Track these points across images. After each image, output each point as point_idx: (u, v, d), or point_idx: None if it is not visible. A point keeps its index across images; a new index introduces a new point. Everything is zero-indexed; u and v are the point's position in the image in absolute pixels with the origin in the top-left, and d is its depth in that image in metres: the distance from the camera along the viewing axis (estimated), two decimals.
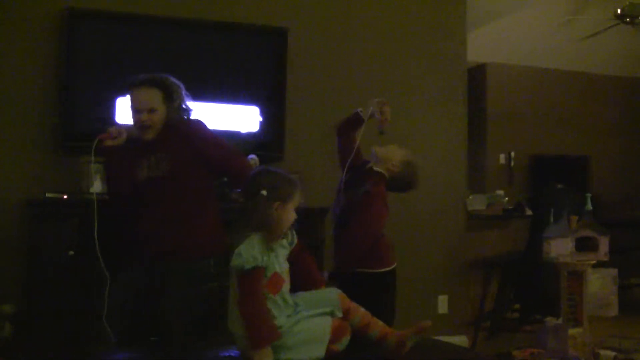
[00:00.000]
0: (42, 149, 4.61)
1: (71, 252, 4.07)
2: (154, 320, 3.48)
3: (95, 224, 3.41)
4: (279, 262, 2.91)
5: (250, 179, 2.91)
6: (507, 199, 7.21)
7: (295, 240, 2.99)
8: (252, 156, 4.60)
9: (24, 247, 4.24)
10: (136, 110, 3.48)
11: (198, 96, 3.89)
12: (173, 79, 3.59)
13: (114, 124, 4.10)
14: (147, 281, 3.44)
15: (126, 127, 3.56)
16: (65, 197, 4.29)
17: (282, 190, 2.85)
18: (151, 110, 3.46)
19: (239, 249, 2.79)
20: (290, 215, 2.90)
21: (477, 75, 9.88)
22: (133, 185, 3.52)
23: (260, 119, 4.91)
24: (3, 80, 4.60)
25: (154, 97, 3.49)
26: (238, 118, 4.89)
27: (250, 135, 4.86)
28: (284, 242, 2.96)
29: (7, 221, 4.47)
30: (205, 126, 3.62)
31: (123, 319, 3.36)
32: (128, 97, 3.53)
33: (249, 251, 2.78)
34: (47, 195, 4.32)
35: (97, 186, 4.40)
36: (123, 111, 4.54)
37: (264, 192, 2.80)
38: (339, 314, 2.95)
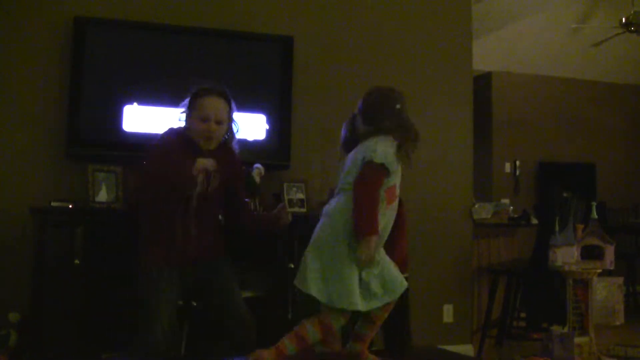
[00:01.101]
0: (48, 157, 4.61)
1: (77, 261, 4.07)
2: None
3: None
4: (399, 178, 3.07)
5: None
6: (512, 207, 7.20)
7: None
8: (258, 165, 4.60)
9: (30, 256, 4.23)
10: (204, 117, 3.47)
11: None
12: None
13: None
14: (193, 278, 3.54)
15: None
16: (70, 206, 4.30)
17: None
18: (219, 122, 3.49)
19: (374, 143, 3.01)
20: None
21: (483, 83, 9.90)
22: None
23: (267, 126, 4.91)
24: (9, 88, 4.62)
25: (223, 109, 3.54)
26: (245, 126, 4.89)
27: (256, 144, 4.86)
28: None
29: (13, 229, 4.47)
30: (242, 165, 3.81)
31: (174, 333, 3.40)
32: (192, 102, 3.54)
33: (385, 149, 3.00)
34: (52, 203, 4.32)
35: (102, 195, 4.41)
36: (130, 119, 4.57)
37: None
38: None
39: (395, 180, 3.08)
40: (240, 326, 3.49)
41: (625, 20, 8.48)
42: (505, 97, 10.25)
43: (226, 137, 3.65)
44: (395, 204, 3.11)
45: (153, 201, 3.54)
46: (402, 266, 3.45)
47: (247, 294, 4.37)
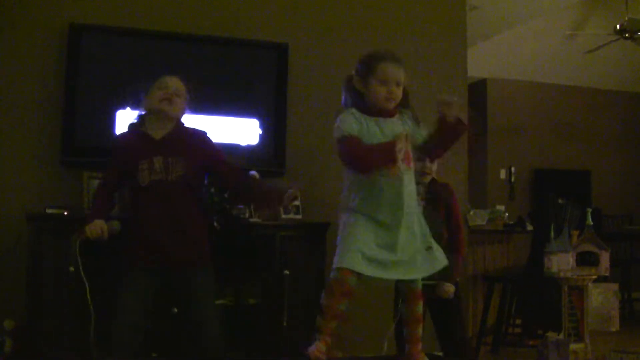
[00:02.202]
0: (42, 164, 4.61)
1: (72, 268, 4.06)
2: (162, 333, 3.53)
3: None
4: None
5: None
6: (507, 214, 7.20)
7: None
8: (253, 172, 4.60)
9: (25, 263, 4.23)
10: (164, 86, 3.52)
11: (200, 109, 3.91)
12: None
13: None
14: (163, 290, 3.49)
15: (109, 225, 3.51)
16: (66, 212, 4.30)
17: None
18: (176, 93, 3.52)
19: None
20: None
21: (478, 90, 9.91)
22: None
23: (260, 131, 4.91)
24: (4, 95, 4.62)
25: (181, 85, 3.59)
26: (239, 131, 4.89)
27: (249, 148, 4.86)
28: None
29: (8, 237, 4.46)
30: (212, 139, 3.68)
31: (136, 331, 3.35)
32: (154, 83, 3.58)
33: (342, 118, 3.19)
34: (47, 210, 4.32)
35: None
36: (123, 125, 4.57)
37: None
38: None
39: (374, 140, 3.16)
40: (208, 344, 3.45)
41: (620, 27, 8.51)
42: (500, 103, 10.26)
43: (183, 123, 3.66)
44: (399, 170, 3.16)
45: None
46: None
47: (242, 300, 4.38)
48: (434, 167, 4.15)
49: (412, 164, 3.24)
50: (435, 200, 4.06)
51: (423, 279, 3.60)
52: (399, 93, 3.27)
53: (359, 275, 3.07)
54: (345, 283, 3.07)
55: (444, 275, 3.94)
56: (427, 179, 4.11)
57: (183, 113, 3.62)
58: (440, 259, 3.22)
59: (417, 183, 3.77)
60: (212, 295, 3.56)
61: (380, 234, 3.11)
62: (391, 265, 3.13)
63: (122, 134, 3.70)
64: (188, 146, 3.52)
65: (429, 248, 3.21)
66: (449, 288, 4.04)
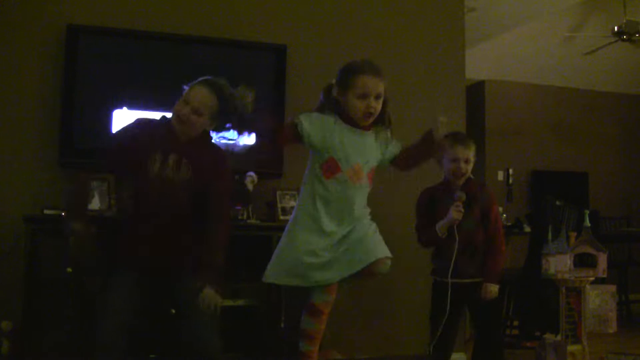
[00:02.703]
0: (40, 165, 4.61)
1: (69, 269, 4.06)
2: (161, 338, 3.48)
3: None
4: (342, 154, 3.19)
5: None
6: (505, 215, 7.20)
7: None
8: (251, 173, 4.60)
9: (22, 264, 4.22)
10: (185, 101, 3.40)
11: None
12: (232, 90, 3.56)
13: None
14: (144, 298, 3.43)
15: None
16: (63, 214, 4.29)
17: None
18: (196, 111, 3.39)
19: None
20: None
21: (475, 92, 9.92)
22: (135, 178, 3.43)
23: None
24: (2, 96, 4.62)
25: (205, 99, 3.45)
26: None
27: (246, 148, 4.85)
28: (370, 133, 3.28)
29: (5, 238, 4.47)
30: (228, 162, 3.58)
31: (121, 332, 3.28)
32: (186, 92, 3.46)
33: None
34: (45, 211, 4.32)
35: (95, 203, 4.40)
36: (119, 124, 4.57)
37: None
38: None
39: (333, 154, 3.20)
40: (204, 350, 3.42)
41: (618, 29, 8.51)
42: (498, 105, 10.26)
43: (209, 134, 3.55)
44: (344, 177, 3.21)
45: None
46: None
47: (239, 302, 4.38)
48: (469, 167, 4.11)
49: (370, 183, 3.30)
50: (470, 201, 4.04)
51: (466, 277, 3.90)
52: (378, 107, 3.23)
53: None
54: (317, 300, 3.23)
55: (487, 276, 3.99)
56: (462, 180, 4.08)
57: (206, 127, 3.50)
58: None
59: (454, 189, 3.85)
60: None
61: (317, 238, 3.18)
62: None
63: (147, 120, 3.58)
64: (205, 156, 3.45)
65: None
66: (494, 288, 4.05)
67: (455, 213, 3.93)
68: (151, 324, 3.79)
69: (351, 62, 3.30)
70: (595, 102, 10.77)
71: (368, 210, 3.33)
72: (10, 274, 4.37)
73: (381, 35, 5.53)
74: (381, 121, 3.31)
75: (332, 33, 5.39)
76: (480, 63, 9.27)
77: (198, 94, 3.43)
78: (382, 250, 3.20)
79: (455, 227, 3.95)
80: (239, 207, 4.56)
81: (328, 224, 3.18)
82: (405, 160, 3.43)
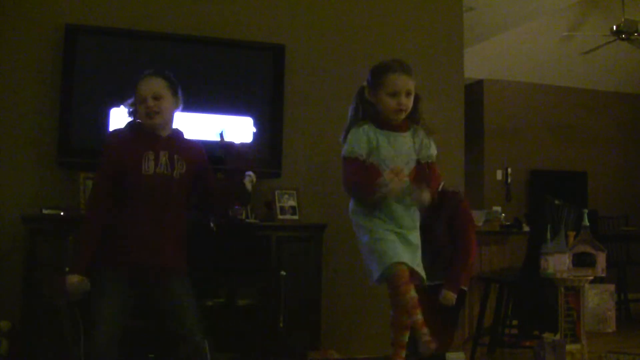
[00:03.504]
0: (39, 165, 4.60)
1: (67, 269, 4.05)
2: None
3: None
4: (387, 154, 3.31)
5: None
6: (504, 215, 7.20)
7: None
8: (249, 173, 4.58)
9: (21, 263, 4.22)
10: (142, 99, 3.40)
11: (197, 109, 3.90)
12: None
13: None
14: (146, 298, 3.42)
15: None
16: (62, 213, 4.29)
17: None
18: (157, 97, 3.40)
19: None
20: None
21: (474, 91, 9.92)
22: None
23: (254, 129, 4.89)
24: (0, 96, 4.61)
25: (158, 84, 3.46)
26: (235, 130, 4.89)
27: (244, 146, 4.85)
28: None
29: (4, 237, 4.47)
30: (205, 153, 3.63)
31: (115, 339, 3.28)
32: (135, 95, 3.47)
33: (351, 138, 3.35)
34: (43, 211, 4.32)
35: None
36: (117, 122, 4.56)
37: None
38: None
39: (377, 158, 3.31)
40: (193, 352, 3.42)
41: (616, 28, 8.51)
42: (496, 104, 10.27)
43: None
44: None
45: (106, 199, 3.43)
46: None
47: (238, 302, 4.38)
48: (410, 102, 3.95)
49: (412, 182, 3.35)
50: (438, 209, 4.02)
51: (436, 280, 3.90)
52: (409, 104, 3.32)
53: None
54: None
55: (447, 282, 3.99)
56: (402, 116, 3.99)
57: (177, 105, 3.54)
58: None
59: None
60: (193, 302, 3.45)
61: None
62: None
63: (119, 130, 3.55)
64: (189, 150, 3.49)
65: None
66: (450, 296, 4.01)
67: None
68: (149, 323, 3.78)
69: (381, 62, 3.40)
70: (594, 101, 10.78)
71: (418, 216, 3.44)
72: (9, 274, 4.37)
73: (380, 34, 5.53)
74: (414, 119, 3.41)
75: (331, 33, 5.38)
76: (479, 62, 9.27)
77: (144, 85, 3.47)
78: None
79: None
80: (237, 207, 4.55)
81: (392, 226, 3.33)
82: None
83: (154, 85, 3.45)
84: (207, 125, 4.65)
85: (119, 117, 4.53)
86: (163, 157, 3.37)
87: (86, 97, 4.59)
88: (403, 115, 3.32)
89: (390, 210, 3.30)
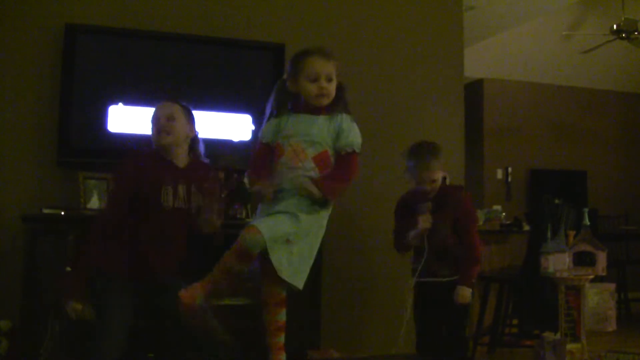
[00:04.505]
0: (39, 165, 4.60)
1: (68, 269, 4.06)
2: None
3: None
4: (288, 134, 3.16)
5: None
6: (504, 214, 7.20)
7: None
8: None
9: (21, 263, 4.22)
10: (155, 119, 3.53)
11: (197, 108, 3.92)
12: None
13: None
14: (150, 304, 3.47)
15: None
16: (62, 213, 4.29)
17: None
18: (170, 118, 3.50)
19: None
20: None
21: (474, 90, 9.92)
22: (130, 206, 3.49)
23: (254, 127, 4.89)
24: (0, 95, 4.61)
25: (172, 107, 3.57)
26: (234, 128, 4.89)
27: (242, 144, 4.85)
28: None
29: (4, 237, 4.46)
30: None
31: (120, 349, 3.30)
32: (151, 118, 3.59)
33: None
34: (44, 211, 4.31)
35: (94, 202, 4.41)
36: (116, 120, 4.59)
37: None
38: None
39: (280, 136, 3.19)
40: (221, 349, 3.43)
41: (616, 27, 8.52)
42: (496, 104, 10.27)
43: (198, 153, 3.70)
44: (285, 159, 3.15)
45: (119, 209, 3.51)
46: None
47: (236, 301, 4.37)
48: (437, 175, 4.03)
49: (320, 169, 3.14)
50: (442, 206, 4.05)
51: (440, 277, 3.94)
52: (330, 88, 3.17)
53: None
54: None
55: (460, 279, 4.01)
56: (432, 193, 4.05)
57: (190, 128, 3.64)
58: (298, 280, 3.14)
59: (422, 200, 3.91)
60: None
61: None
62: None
63: (139, 153, 3.61)
64: (201, 179, 3.54)
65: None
66: (466, 292, 4.03)
67: (424, 223, 3.96)
68: (149, 323, 3.77)
69: (299, 50, 3.30)
70: (594, 100, 10.78)
71: (321, 208, 3.17)
72: (9, 273, 4.37)
73: (380, 33, 5.53)
74: (338, 109, 3.22)
75: (331, 32, 5.38)
76: (479, 61, 9.27)
77: (160, 109, 3.58)
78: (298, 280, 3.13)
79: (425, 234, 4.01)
80: (237, 206, 4.55)
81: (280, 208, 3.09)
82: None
83: (168, 108, 3.57)
84: (207, 123, 4.66)
85: (118, 116, 4.57)
86: (181, 191, 3.44)
87: (86, 96, 4.59)
88: (326, 101, 3.17)
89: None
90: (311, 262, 3.16)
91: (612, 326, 4.14)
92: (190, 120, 3.64)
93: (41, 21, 4.70)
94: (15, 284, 4.25)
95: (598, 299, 4.12)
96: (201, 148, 3.72)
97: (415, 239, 4.01)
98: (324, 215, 3.18)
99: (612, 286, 4.20)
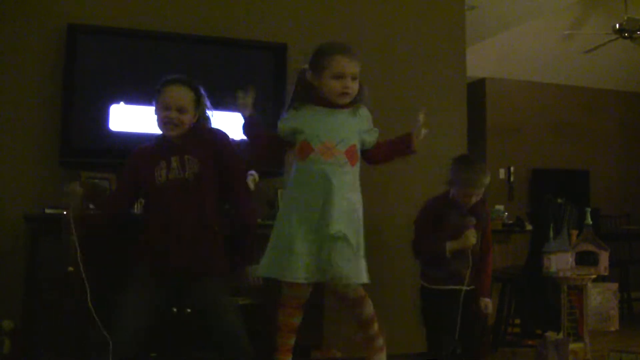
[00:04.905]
0: (41, 165, 4.61)
1: (70, 269, 4.06)
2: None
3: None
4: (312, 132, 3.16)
5: None
6: (506, 213, 7.20)
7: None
8: (252, 172, 4.59)
9: (23, 263, 4.23)
10: (165, 106, 3.40)
11: None
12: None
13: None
14: (163, 299, 3.43)
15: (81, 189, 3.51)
16: (64, 212, 4.29)
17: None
18: (181, 110, 3.40)
19: None
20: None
21: (476, 90, 9.91)
22: (135, 197, 3.49)
23: None
24: (2, 95, 4.61)
25: (185, 96, 3.46)
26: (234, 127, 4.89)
27: (243, 143, 4.85)
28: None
29: (6, 237, 4.47)
30: (231, 140, 3.59)
31: (135, 335, 3.28)
32: (157, 95, 3.47)
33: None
34: (46, 211, 4.31)
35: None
36: (117, 120, 4.59)
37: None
38: None
39: (305, 137, 3.19)
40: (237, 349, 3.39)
41: (619, 26, 8.51)
42: (499, 103, 10.26)
43: (202, 126, 3.57)
44: (317, 156, 3.17)
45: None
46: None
47: (239, 301, 4.37)
48: (355, 85, 3.55)
49: (355, 163, 3.20)
50: (477, 221, 4.05)
51: (460, 284, 3.90)
52: (354, 87, 3.20)
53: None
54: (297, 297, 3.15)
55: (483, 292, 4.01)
56: (468, 206, 4.04)
57: (197, 118, 3.53)
58: (363, 274, 3.16)
59: (465, 212, 3.94)
60: (228, 306, 3.43)
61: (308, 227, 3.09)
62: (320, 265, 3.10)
63: (140, 146, 3.60)
64: (203, 144, 3.46)
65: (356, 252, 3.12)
66: (489, 303, 4.08)
67: (472, 239, 3.94)
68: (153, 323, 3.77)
69: (324, 44, 3.29)
70: (596, 100, 10.77)
71: (358, 198, 3.22)
72: (11, 273, 4.37)
73: (382, 33, 5.52)
74: (355, 101, 3.27)
75: (333, 31, 5.37)
76: (481, 61, 9.26)
77: (175, 94, 3.45)
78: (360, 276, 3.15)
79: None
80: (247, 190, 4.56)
81: (307, 209, 3.11)
82: (376, 154, 3.37)
83: (183, 96, 3.45)
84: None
85: (120, 115, 4.57)
86: (174, 162, 3.37)
87: (88, 96, 4.59)
88: (348, 100, 3.19)
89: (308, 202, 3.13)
90: (362, 249, 3.16)
91: (614, 325, 4.14)
92: (198, 102, 3.53)
93: (43, 21, 4.70)
94: (17, 283, 4.26)
95: (601, 299, 4.12)
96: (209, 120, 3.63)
97: (452, 251, 3.96)
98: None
99: (614, 286, 4.20)
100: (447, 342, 4.06)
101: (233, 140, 3.62)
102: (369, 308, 3.30)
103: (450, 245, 3.95)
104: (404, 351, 4.46)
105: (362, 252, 3.13)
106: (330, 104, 3.19)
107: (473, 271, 4.02)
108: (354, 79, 3.18)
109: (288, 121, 3.24)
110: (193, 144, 3.43)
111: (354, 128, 3.22)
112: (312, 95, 3.24)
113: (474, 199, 3.98)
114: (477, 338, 4.19)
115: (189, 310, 3.71)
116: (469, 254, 3.99)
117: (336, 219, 3.05)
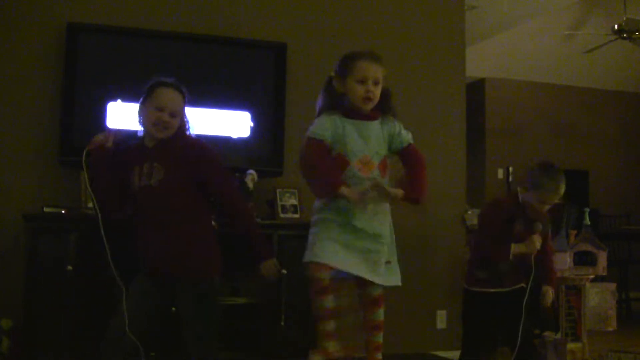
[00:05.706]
0: (40, 164, 4.61)
1: (70, 267, 4.07)
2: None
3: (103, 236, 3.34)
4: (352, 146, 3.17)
5: None
6: None
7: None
8: (251, 171, 4.60)
9: (22, 262, 4.23)
10: (159, 107, 3.37)
11: (198, 106, 3.90)
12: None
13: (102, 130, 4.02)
14: (159, 298, 3.43)
15: (114, 132, 3.51)
16: (63, 211, 4.29)
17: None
18: (173, 114, 3.39)
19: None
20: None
21: (476, 90, 9.92)
22: (125, 194, 3.48)
23: (252, 124, 4.89)
24: (2, 94, 4.61)
25: (178, 101, 3.44)
26: (235, 126, 4.90)
27: (242, 141, 4.86)
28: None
29: (6, 236, 4.47)
30: (213, 151, 3.52)
31: (132, 332, 3.26)
32: (150, 95, 3.43)
33: (318, 121, 3.26)
34: (45, 209, 4.32)
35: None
36: (115, 117, 4.59)
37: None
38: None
39: (344, 148, 3.17)
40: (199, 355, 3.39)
41: (618, 27, 8.51)
42: (498, 103, 10.26)
43: (180, 132, 3.49)
44: (353, 171, 3.17)
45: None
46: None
47: (239, 300, 4.38)
48: (378, 90, 3.45)
49: (386, 173, 3.26)
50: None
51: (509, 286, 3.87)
52: (376, 92, 3.22)
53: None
54: (320, 280, 3.09)
55: (546, 279, 3.97)
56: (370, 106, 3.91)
57: (181, 124, 3.49)
58: (395, 279, 3.28)
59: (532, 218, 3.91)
60: (199, 312, 3.40)
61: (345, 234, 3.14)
62: (358, 262, 3.15)
63: (126, 144, 3.56)
64: (175, 152, 3.40)
65: (388, 262, 3.24)
66: (549, 292, 4.01)
67: (537, 244, 3.91)
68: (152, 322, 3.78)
69: (350, 51, 3.34)
70: (595, 100, 10.78)
71: (388, 205, 3.31)
72: (10, 272, 4.38)
73: (382, 32, 5.53)
74: (384, 111, 3.30)
75: (333, 31, 5.38)
76: (481, 61, 9.27)
77: (170, 97, 3.43)
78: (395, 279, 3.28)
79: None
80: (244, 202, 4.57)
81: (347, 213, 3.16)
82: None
83: (176, 101, 3.44)
84: (208, 121, 4.73)
85: (120, 114, 4.58)
86: (146, 168, 3.37)
87: (88, 95, 4.59)
88: (371, 105, 3.21)
89: (349, 214, 3.16)
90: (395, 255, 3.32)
91: (612, 325, 4.15)
92: (184, 113, 3.51)
93: (43, 20, 4.70)
94: (16, 282, 4.26)
95: (599, 299, 4.13)
96: (187, 127, 3.56)
97: (516, 254, 3.92)
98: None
99: (612, 286, 4.21)
100: (485, 349, 4.05)
101: (215, 153, 3.54)
102: (382, 314, 3.33)
103: (516, 249, 3.91)
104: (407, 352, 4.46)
105: (396, 257, 3.30)
106: (360, 116, 3.23)
107: (539, 270, 3.97)
108: (375, 83, 3.20)
109: (327, 130, 3.22)
110: (166, 151, 3.41)
111: (384, 140, 3.28)
112: (340, 104, 3.27)
113: (547, 207, 3.97)
114: (528, 339, 4.11)
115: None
116: (531, 259, 3.92)
117: (378, 223, 3.22)
